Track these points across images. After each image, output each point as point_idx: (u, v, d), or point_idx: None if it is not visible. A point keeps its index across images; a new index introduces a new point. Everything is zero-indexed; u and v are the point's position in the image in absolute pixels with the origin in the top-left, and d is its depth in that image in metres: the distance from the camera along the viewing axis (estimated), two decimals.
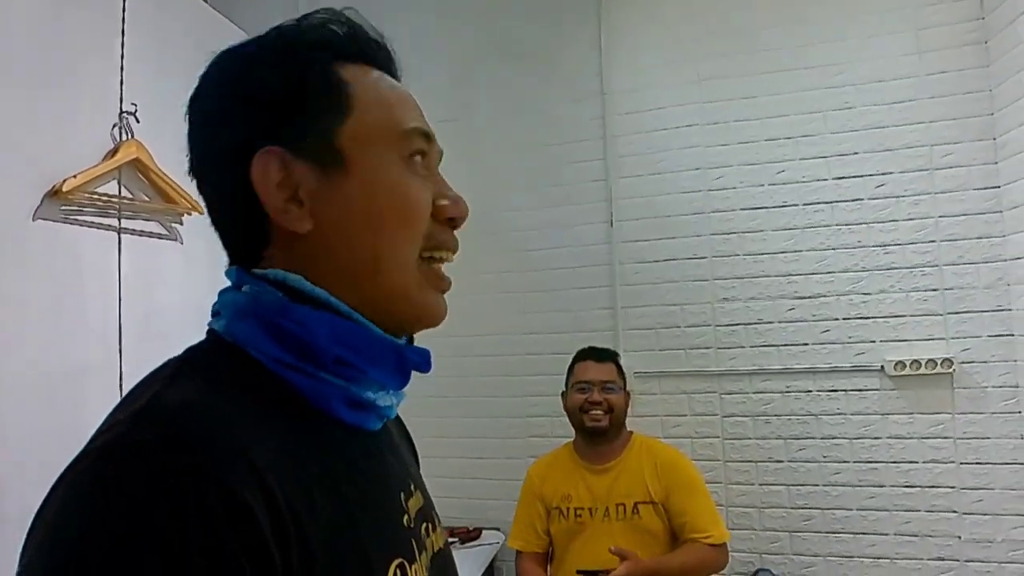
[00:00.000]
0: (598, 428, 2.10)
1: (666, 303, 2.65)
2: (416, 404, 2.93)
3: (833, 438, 2.50)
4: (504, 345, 2.78)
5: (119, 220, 1.82)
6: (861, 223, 2.49)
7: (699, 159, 2.63)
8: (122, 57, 1.85)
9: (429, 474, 2.91)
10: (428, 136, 0.60)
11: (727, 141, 2.61)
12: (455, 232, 0.62)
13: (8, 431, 1.49)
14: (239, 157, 0.55)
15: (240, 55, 0.59)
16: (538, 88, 2.82)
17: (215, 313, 0.58)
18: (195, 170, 0.60)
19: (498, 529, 2.69)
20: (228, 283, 0.59)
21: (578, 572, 1.94)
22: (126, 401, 0.50)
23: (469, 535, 2.60)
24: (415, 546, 0.59)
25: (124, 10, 1.87)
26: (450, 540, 2.54)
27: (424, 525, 0.64)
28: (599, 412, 2.11)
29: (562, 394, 2.25)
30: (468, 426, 2.82)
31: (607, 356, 2.23)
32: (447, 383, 2.83)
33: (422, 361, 0.61)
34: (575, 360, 2.24)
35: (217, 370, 0.53)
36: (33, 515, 0.45)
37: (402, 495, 0.61)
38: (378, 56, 0.62)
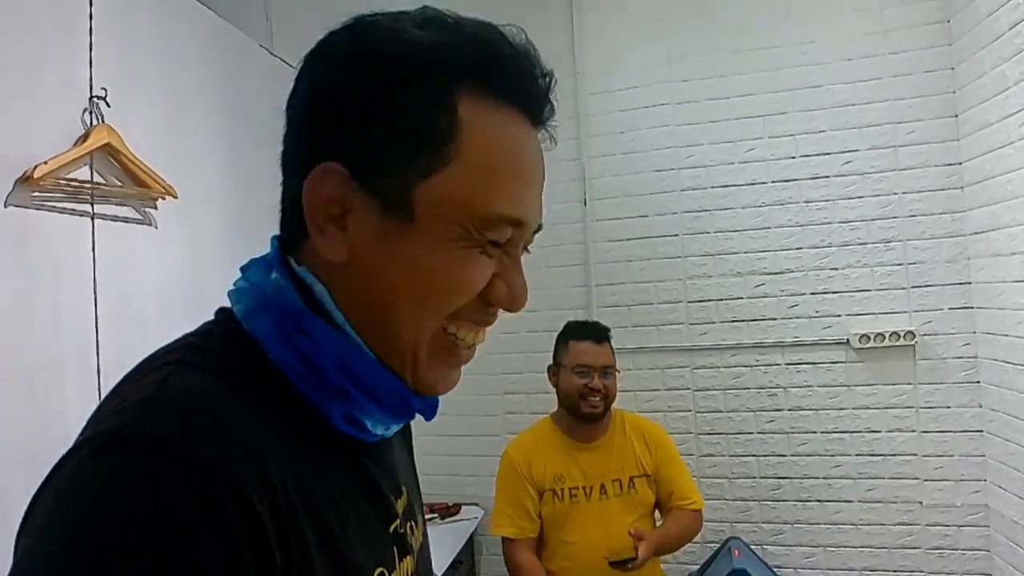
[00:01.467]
0: (593, 414, 2.08)
1: (639, 280, 2.70)
2: None
3: (800, 409, 2.58)
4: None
5: (92, 206, 1.82)
6: (828, 200, 2.55)
7: (671, 138, 2.67)
8: (91, 40, 1.84)
9: None
10: (520, 224, 0.54)
11: (698, 120, 2.64)
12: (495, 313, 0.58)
13: None
14: (308, 148, 0.52)
15: (366, 58, 0.51)
16: None
17: (237, 287, 0.56)
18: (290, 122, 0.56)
19: (477, 504, 2.75)
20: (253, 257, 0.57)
21: (610, 564, 1.90)
22: (132, 382, 0.48)
23: (448, 511, 2.65)
24: (398, 552, 0.58)
25: None
26: (430, 516, 2.61)
27: (408, 524, 0.63)
28: (597, 399, 2.07)
29: (550, 369, 2.19)
30: (444, 404, 2.83)
31: (604, 336, 2.16)
32: None
33: (427, 409, 0.59)
34: (571, 337, 2.16)
35: (229, 361, 0.50)
36: (27, 502, 0.44)
37: (391, 499, 0.60)
38: (527, 96, 0.54)
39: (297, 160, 0.53)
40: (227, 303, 0.56)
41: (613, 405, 2.23)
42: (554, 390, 2.19)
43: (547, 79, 0.55)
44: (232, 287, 0.56)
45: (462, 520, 2.62)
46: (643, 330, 2.70)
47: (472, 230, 0.51)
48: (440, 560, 2.32)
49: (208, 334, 0.54)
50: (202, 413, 0.44)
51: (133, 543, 0.38)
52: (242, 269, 0.57)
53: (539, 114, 0.56)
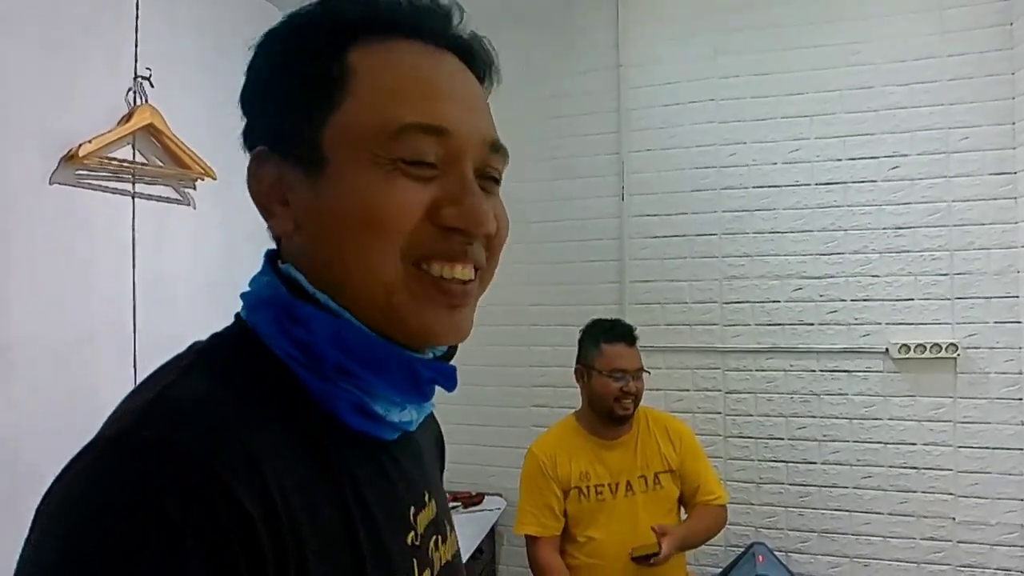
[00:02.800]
0: (626, 416, 2.07)
1: (673, 279, 2.66)
2: None
3: (834, 418, 2.53)
4: (510, 315, 2.80)
5: (133, 185, 1.84)
6: (873, 205, 2.48)
7: (712, 135, 2.62)
8: (136, 20, 1.85)
9: None
10: (439, 131, 0.52)
11: (741, 118, 2.59)
12: (472, 244, 0.54)
13: (21, 394, 1.53)
14: (250, 147, 0.56)
15: (263, 43, 0.56)
16: (552, 59, 2.79)
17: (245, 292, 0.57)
18: None
19: (500, 495, 2.75)
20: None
21: (632, 559, 1.90)
22: (140, 389, 0.49)
23: (472, 500, 2.66)
24: (417, 566, 0.56)
25: None
26: (452, 504, 2.62)
27: (434, 538, 0.61)
28: (629, 402, 2.05)
29: (577, 370, 2.16)
30: (472, 393, 2.85)
31: (633, 337, 2.14)
32: None
33: (439, 376, 0.56)
34: (602, 339, 2.11)
35: (234, 364, 0.51)
36: (49, 482, 0.45)
37: (412, 509, 0.58)
38: (421, 26, 0.55)
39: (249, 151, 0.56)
40: None
41: None
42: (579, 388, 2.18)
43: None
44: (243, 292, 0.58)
45: (485, 510, 2.63)
46: (675, 329, 2.66)
47: (380, 151, 0.50)
48: (462, 548, 2.33)
49: (218, 337, 0.55)
50: (199, 417, 0.44)
51: (123, 546, 0.38)
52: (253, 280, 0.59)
53: (441, 37, 0.56)
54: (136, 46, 1.84)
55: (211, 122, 2.07)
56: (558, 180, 2.77)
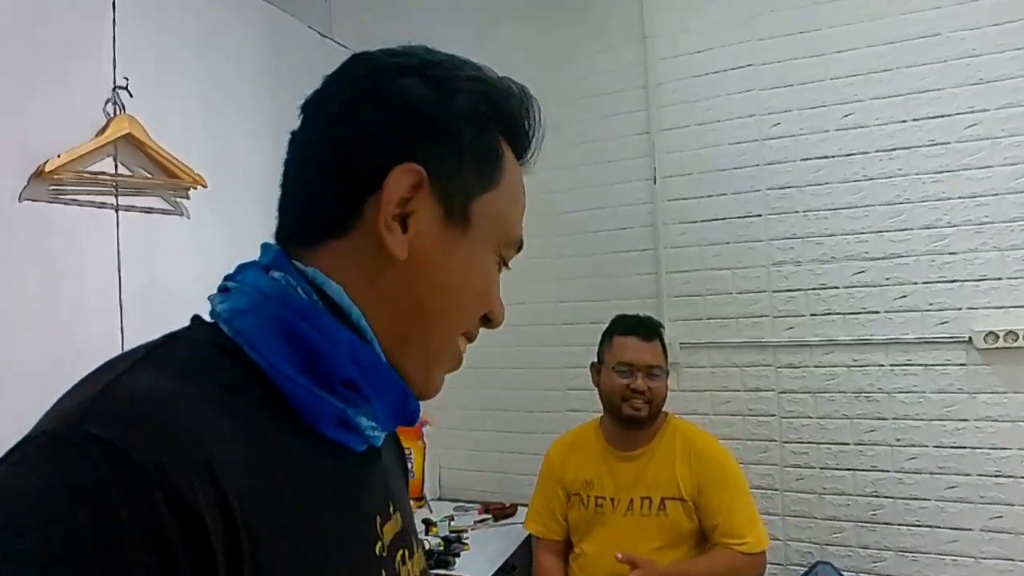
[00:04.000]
0: (636, 418, 1.89)
1: (716, 267, 2.40)
2: (449, 377, 2.87)
3: (908, 419, 2.19)
4: (540, 314, 2.63)
5: (116, 198, 1.81)
6: (946, 171, 2.13)
7: (752, 105, 2.34)
8: (114, 28, 1.82)
9: (463, 447, 2.81)
10: (520, 248, 0.63)
11: (785, 83, 2.29)
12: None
13: (11, 417, 1.51)
14: (387, 150, 0.54)
15: (442, 65, 0.58)
16: (572, 36, 2.59)
17: (223, 289, 0.55)
18: (313, 112, 0.59)
19: None
20: (249, 259, 0.58)
21: None
22: (83, 383, 0.47)
23: (504, 511, 2.51)
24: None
25: None
26: (482, 517, 2.49)
27: (401, 552, 0.61)
28: (640, 402, 1.88)
29: (592, 366, 2.03)
30: (503, 399, 2.71)
31: (653, 332, 1.95)
32: (481, 355, 2.71)
33: (416, 413, 0.59)
34: (615, 332, 1.98)
35: (189, 362, 0.49)
36: None
37: (378, 519, 0.58)
38: (526, 153, 0.63)
39: (359, 158, 0.55)
40: None
41: (668, 411, 2.00)
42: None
43: (541, 136, 0.63)
44: (216, 292, 0.56)
45: (517, 523, 2.47)
46: (720, 323, 2.40)
47: (499, 247, 0.60)
48: (490, 562, 2.20)
49: (172, 337, 0.52)
50: (147, 414, 0.42)
51: (60, 544, 0.37)
52: (227, 276, 0.57)
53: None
54: (114, 55, 1.81)
55: (208, 128, 2.02)
56: (587, 165, 2.57)
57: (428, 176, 0.54)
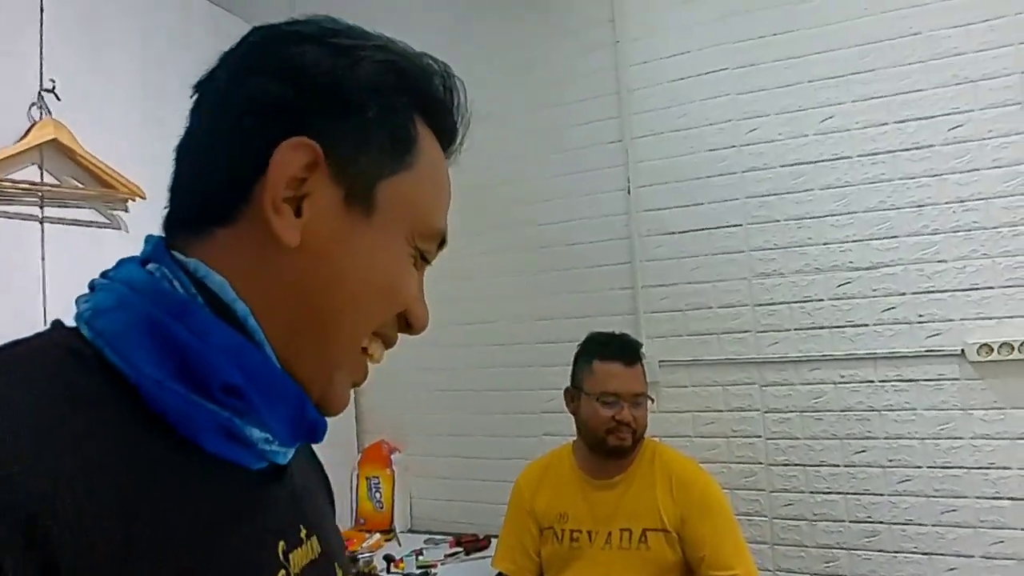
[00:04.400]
0: (621, 449, 1.74)
1: (694, 280, 2.28)
2: (420, 399, 2.73)
3: (901, 438, 2.06)
4: (513, 333, 2.50)
5: (41, 208, 1.67)
6: (932, 175, 2.02)
7: (729, 110, 2.23)
8: (41, 25, 1.69)
9: (435, 475, 2.60)
10: (443, 244, 0.57)
11: (762, 86, 2.19)
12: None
13: None
14: (275, 123, 0.48)
15: (346, 33, 0.52)
16: (543, 42, 2.49)
17: (92, 287, 0.48)
18: (206, 90, 0.52)
19: None
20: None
21: None
22: None
23: (476, 543, 2.35)
24: None
25: None
26: (453, 551, 2.33)
27: None
28: (627, 433, 1.72)
29: (568, 392, 1.86)
30: (476, 423, 2.56)
31: (635, 355, 1.79)
32: (451, 376, 2.60)
33: (318, 424, 0.52)
34: (594, 355, 1.79)
35: (35, 374, 0.41)
36: None
37: (281, 545, 0.51)
38: (451, 137, 0.58)
39: (244, 134, 0.48)
40: None
41: (646, 435, 1.85)
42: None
43: (466, 125, 0.58)
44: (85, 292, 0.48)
45: (490, 556, 2.30)
46: (700, 339, 2.27)
47: (414, 237, 0.53)
48: None
49: (14, 344, 0.44)
50: None
51: None
52: (103, 273, 0.49)
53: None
54: (41, 54, 1.68)
55: (139, 137, 1.89)
56: (557, 177, 2.45)
57: (325, 154, 0.48)
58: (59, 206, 1.70)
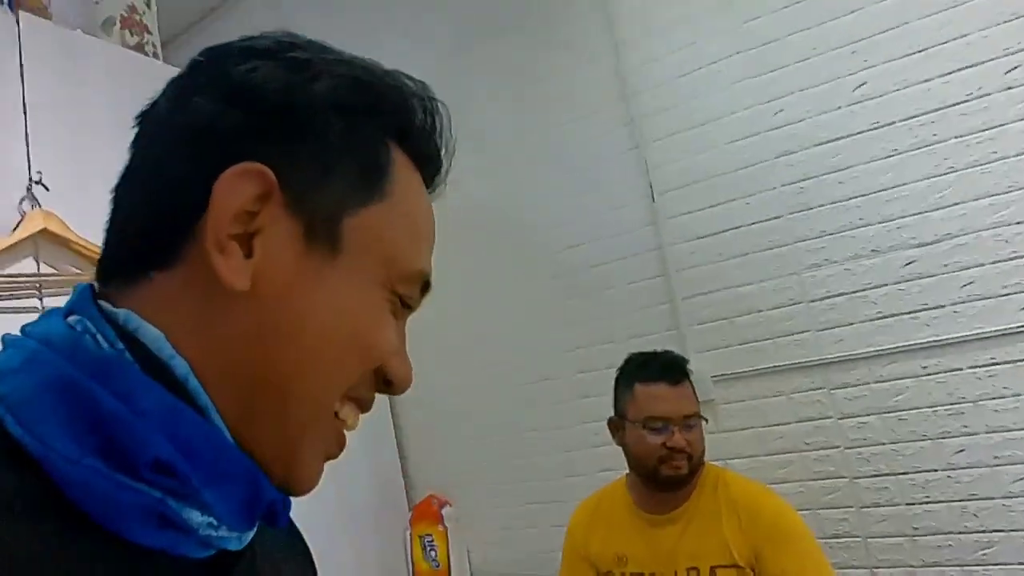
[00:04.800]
0: (678, 479, 1.55)
1: (738, 283, 2.07)
2: (463, 449, 2.59)
3: (1005, 431, 1.78)
4: (551, 366, 2.34)
5: (40, 300, 1.65)
6: (992, 126, 1.78)
7: (747, 96, 2.05)
8: (25, 122, 1.70)
9: (492, 526, 2.46)
10: (427, 288, 0.49)
11: (780, 63, 2.00)
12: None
13: None
14: (220, 149, 0.41)
15: (304, 48, 0.45)
16: (541, 57, 2.37)
17: (3, 343, 0.40)
18: (147, 119, 0.45)
19: None
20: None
21: None
22: None
23: None
24: None
25: (21, 60, 1.72)
26: None
27: None
28: (681, 460, 1.53)
29: (611, 422, 1.68)
30: (522, 467, 2.40)
31: (681, 372, 1.60)
32: (489, 420, 2.46)
33: (278, 504, 0.43)
34: (634, 378, 1.61)
35: None
36: None
37: None
38: (434, 166, 0.51)
39: (185, 163, 0.41)
40: None
41: (706, 460, 1.65)
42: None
43: (449, 152, 0.51)
44: None
45: None
46: (754, 347, 2.05)
47: (391, 280, 0.44)
48: None
49: None
50: None
51: None
52: (22, 327, 0.41)
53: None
54: (27, 149, 1.68)
55: None
56: (573, 196, 2.31)
57: (279, 182, 0.41)
58: (57, 295, 1.68)
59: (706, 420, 1.63)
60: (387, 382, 0.46)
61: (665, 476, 1.55)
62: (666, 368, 1.61)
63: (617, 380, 1.69)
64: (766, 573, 1.48)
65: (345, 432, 0.46)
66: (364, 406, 0.46)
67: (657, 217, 2.17)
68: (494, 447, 2.46)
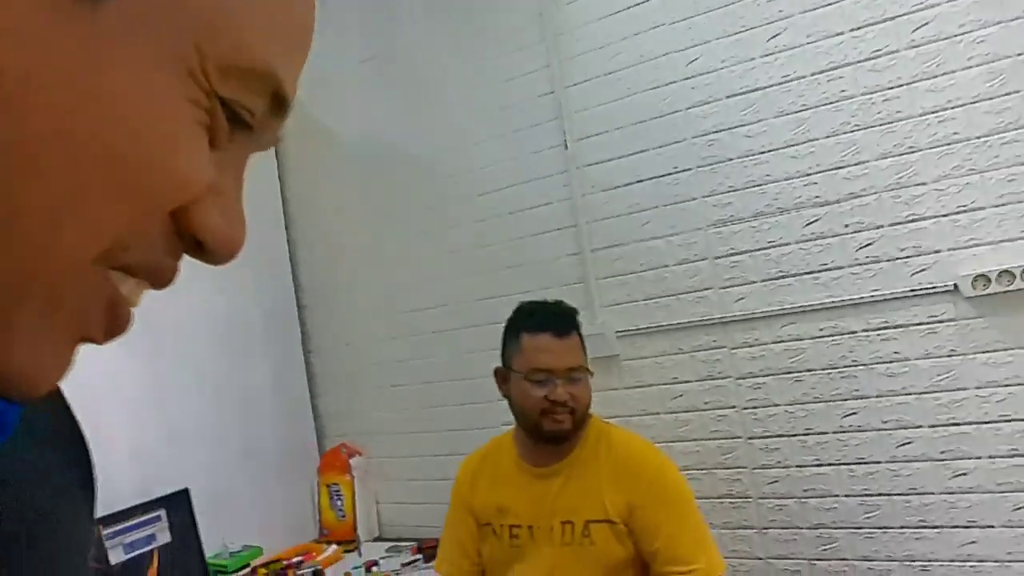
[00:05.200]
0: (560, 433, 1.51)
1: (647, 237, 2.03)
2: (376, 398, 2.55)
3: (895, 395, 1.77)
4: (463, 316, 2.29)
5: None
6: (899, 84, 1.73)
7: (665, 41, 1.98)
8: None
9: (398, 478, 2.40)
10: (281, 106, 0.29)
11: (698, 10, 1.93)
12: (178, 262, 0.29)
13: None
14: None
15: None
16: None
17: None
18: None
19: None
20: None
21: None
22: None
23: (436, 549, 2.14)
24: None
25: None
26: (412, 558, 2.13)
27: None
28: (563, 414, 1.49)
29: (498, 372, 1.63)
30: (431, 418, 2.37)
31: (568, 324, 1.55)
32: (398, 372, 2.41)
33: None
34: (521, 327, 1.56)
35: None
36: None
37: None
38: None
39: None
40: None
41: (595, 413, 1.62)
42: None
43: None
44: None
45: None
46: (659, 303, 2.02)
47: (205, 64, 0.25)
48: None
49: None
50: None
51: None
52: None
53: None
54: None
55: None
56: (489, 141, 2.24)
57: None
58: None
59: (591, 373, 1.58)
60: (195, 241, 0.28)
61: (547, 430, 1.51)
62: (553, 319, 1.57)
63: (506, 329, 1.64)
64: (638, 529, 1.46)
65: (133, 305, 0.28)
66: (152, 275, 0.28)
67: (569, 166, 2.11)
68: (406, 397, 2.42)
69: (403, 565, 2.11)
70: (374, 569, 2.10)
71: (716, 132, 1.93)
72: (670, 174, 1.99)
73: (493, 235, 2.23)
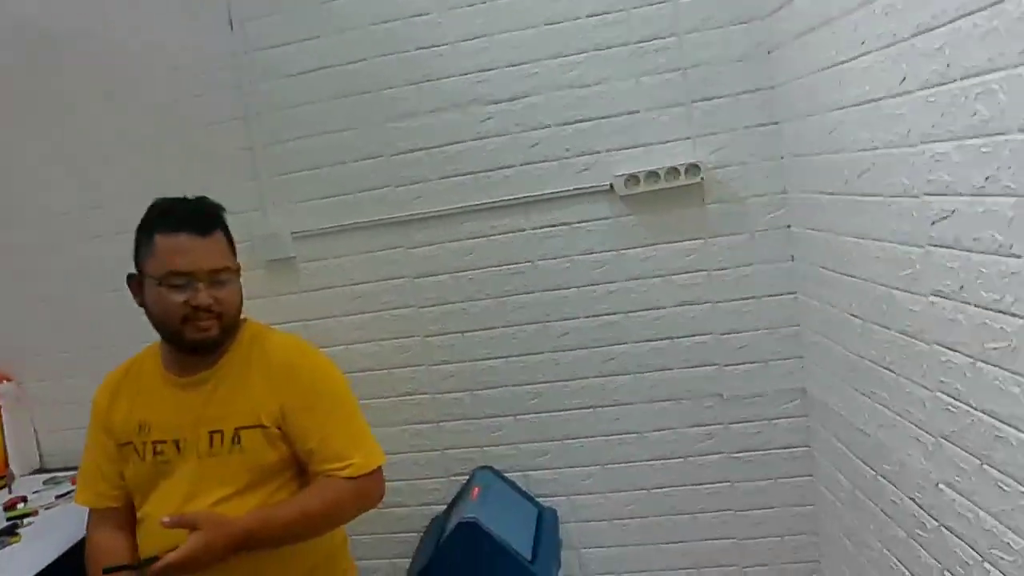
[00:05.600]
0: (207, 341, 1.36)
1: (325, 130, 1.90)
2: (31, 319, 2.15)
3: (558, 289, 1.87)
4: (121, 221, 2.01)
5: None
6: None
7: None
8: None
9: (59, 403, 1.79)
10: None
11: None
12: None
13: None
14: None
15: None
16: None
17: None
18: None
19: None
20: None
21: (104, 571, 1.26)
22: None
23: None
24: None
25: None
26: (69, 489, 1.84)
27: None
28: (208, 320, 1.35)
29: (131, 279, 1.41)
30: (91, 338, 2.10)
31: (209, 221, 1.39)
32: (52, 285, 2.09)
33: None
34: (155, 227, 1.36)
35: None
36: None
37: None
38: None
39: None
40: None
41: (250, 316, 1.48)
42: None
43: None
44: None
45: None
46: (338, 201, 1.92)
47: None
48: (43, 554, 1.65)
49: None
50: None
51: None
52: None
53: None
54: None
55: None
56: (151, 23, 1.92)
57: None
58: None
59: (238, 273, 1.44)
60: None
61: (191, 338, 1.35)
62: (192, 216, 1.38)
63: (138, 230, 1.41)
64: (293, 429, 1.38)
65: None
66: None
67: (237, 48, 1.88)
68: (63, 314, 2.10)
69: (57, 498, 1.88)
70: (20, 506, 1.84)
71: (392, 21, 1.82)
72: (346, 64, 1.85)
73: (161, 128, 1.94)
